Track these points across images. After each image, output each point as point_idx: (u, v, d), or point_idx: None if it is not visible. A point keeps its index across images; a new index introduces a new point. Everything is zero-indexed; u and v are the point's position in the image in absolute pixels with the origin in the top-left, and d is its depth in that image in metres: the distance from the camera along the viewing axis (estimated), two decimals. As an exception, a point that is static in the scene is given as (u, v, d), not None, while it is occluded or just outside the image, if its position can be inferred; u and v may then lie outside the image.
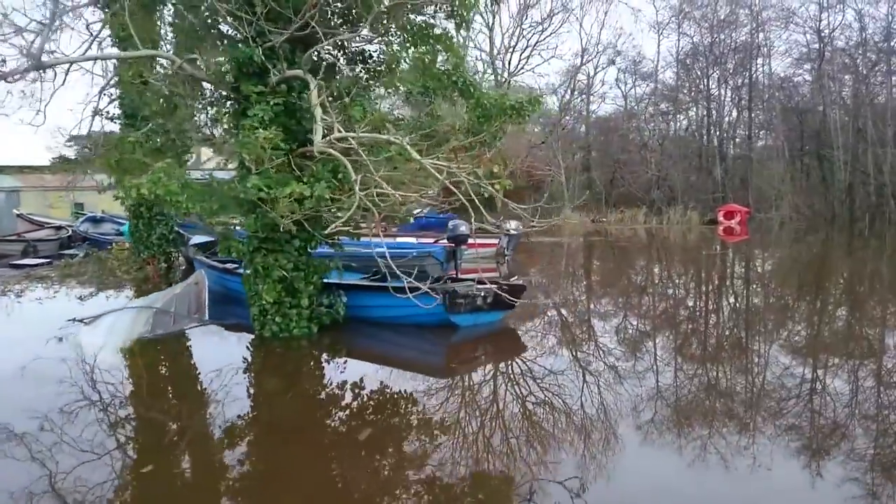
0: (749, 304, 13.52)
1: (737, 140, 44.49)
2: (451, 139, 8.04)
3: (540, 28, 40.91)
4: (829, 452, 5.48)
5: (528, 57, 42.06)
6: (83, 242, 21.03)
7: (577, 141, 44.98)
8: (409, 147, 6.97)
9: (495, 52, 42.73)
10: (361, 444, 5.81)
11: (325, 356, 8.73)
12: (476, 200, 7.54)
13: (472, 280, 9.62)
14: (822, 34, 38.91)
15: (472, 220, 8.55)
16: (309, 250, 9.06)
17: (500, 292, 9.05)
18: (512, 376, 8.03)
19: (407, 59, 8.60)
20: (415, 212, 39.46)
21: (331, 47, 9.56)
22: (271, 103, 8.00)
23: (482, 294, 9.15)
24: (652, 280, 17.60)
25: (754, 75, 42.77)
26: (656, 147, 43.58)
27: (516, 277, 17.83)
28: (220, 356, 8.74)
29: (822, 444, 5.68)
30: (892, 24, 38.12)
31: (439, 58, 9.28)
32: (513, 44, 41.71)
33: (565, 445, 5.72)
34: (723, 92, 45.48)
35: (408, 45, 9.27)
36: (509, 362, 8.57)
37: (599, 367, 8.05)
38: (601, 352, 8.85)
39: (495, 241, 18.62)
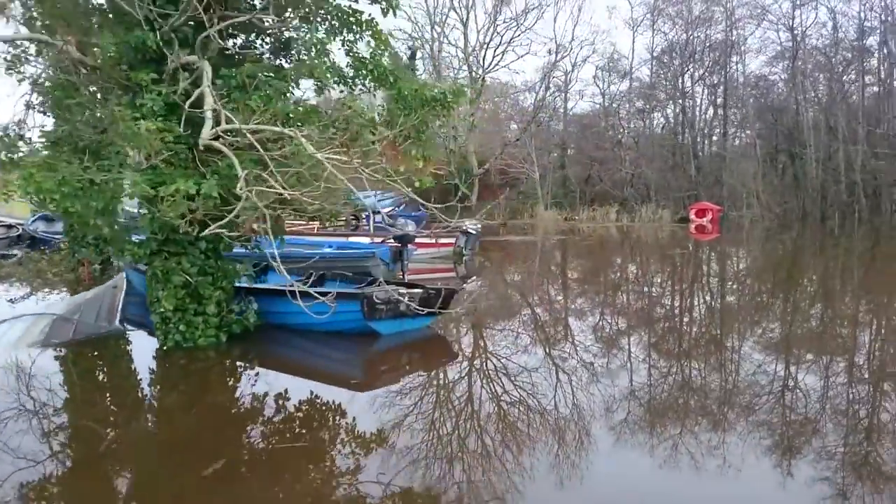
0: (716, 304, 12.92)
1: (713, 138, 44.10)
2: (366, 133, 7.29)
3: (514, 24, 40.29)
4: (799, 451, 5.26)
5: (502, 53, 41.41)
6: (30, 241, 20.13)
7: (553, 138, 44.38)
8: (304, 140, 6.24)
9: (469, 49, 42.07)
10: (265, 463, 5.19)
11: (232, 368, 7.98)
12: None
13: (396, 284, 8.92)
14: (795, 32, 38.53)
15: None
16: (221, 252, 8.32)
17: (404, 301, 8.30)
18: (435, 388, 7.34)
19: (321, 46, 7.80)
20: (385, 210, 38.46)
21: (253, 35, 8.87)
22: (164, 92, 7.23)
23: (406, 299, 8.43)
24: (608, 281, 16.99)
25: (730, 73, 42.36)
26: (631, 145, 43.07)
27: (474, 278, 17.17)
28: (118, 368, 8.00)
29: (793, 443, 5.45)
30: (864, 23, 37.85)
31: (364, 45, 8.56)
32: (487, 40, 41.05)
33: (493, 465, 5.09)
34: (698, 90, 45.14)
35: (334, 32, 8.56)
36: (434, 372, 7.88)
37: (540, 377, 7.36)
38: (543, 361, 8.17)
39: (451, 240, 17.91)
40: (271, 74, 7.63)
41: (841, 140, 34.61)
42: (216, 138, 6.46)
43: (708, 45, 42.34)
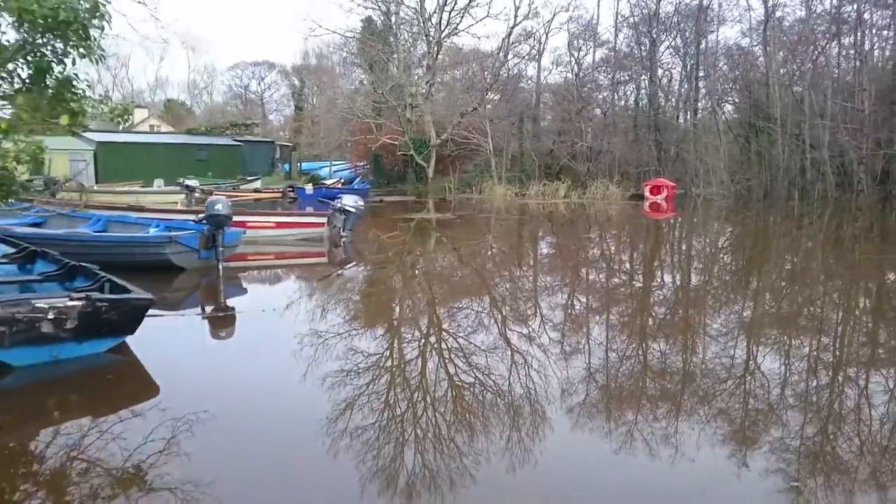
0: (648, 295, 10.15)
1: (684, 112, 40.97)
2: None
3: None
4: (755, 442, 4.81)
5: (460, 16, 38.06)
6: None
7: (517, 109, 41.10)
8: None
9: (426, 12, 38.69)
10: None
11: None
12: None
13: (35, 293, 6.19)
14: (768, 2, 35.13)
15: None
16: None
17: (45, 319, 5.54)
18: (87, 445, 4.66)
19: None
20: (333, 182, 35.79)
21: None
22: None
23: (51, 316, 5.68)
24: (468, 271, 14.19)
25: (702, 44, 39.01)
26: (596, 117, 39.96)
27: (353, 263, 14.44)
28: None
29: (749, 432, 5.01)
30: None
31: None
32: (443, 2, 37.60)
33: None
34: (668, 60, 41.89)
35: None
36: (99, 422, 5.19)
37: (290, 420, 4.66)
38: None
39: (321, 220, 15.07)
40: None
41: (808, 115, 31.49)
42: None
43: (680, 11, 39.01)
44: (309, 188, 28.67)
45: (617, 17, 39.04)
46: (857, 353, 7.57)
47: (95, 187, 28.94)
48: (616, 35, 39.75)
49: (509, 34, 36.86)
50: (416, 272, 13.39)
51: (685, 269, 14.22)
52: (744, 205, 30.79)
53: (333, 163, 44.17)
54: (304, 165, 46.40)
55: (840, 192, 32.09)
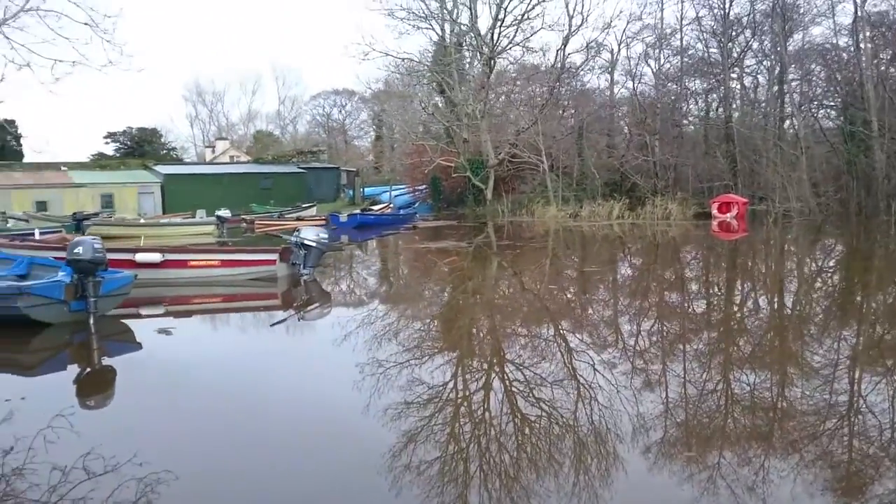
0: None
1: (767, 120, 36.09)
2: None
3: (526, -1, 34.06)
4: (861, 493, 3.96)
5: (515, 31, 35.49)
6: None
7: (577, 125, 37.66)
8: None
9: (479, 29, 36.39)
10: None
11: None
12: None
13: None
14: (856, -9, 30.07)
15: None
16: None
17: None
18: None
19: None
20: (379, 208, 33.87)
21: None
22: None
23: None
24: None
25: (788, 45, 34.14)
26: (664, 130, 35.87)
27: (316, 305, 12.11)
28: None
29: (855, 481, 4.13)
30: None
31: None
32: (497, 16, 35.15)
33: None
34: (752, 65, 37.21)
35: None
36: None
37: None
38: None
39: (271, 256, 12.82)
40: None
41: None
42: None
43: (757, 10, 34.42)
44: (343, 215, 26.86)
45: (681, 21, 34.86)
46: None
47: (142, 220, 28.51)
48: (681, 41, 35.58)
49: (564, 45, 33.89)
50: (389, 320, 10.88)
51: (761, 300, 11.19)
52: (832, 221, 26.10)
53: (394, 187, 42.52)
54: (367, 190, 45.11)
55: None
